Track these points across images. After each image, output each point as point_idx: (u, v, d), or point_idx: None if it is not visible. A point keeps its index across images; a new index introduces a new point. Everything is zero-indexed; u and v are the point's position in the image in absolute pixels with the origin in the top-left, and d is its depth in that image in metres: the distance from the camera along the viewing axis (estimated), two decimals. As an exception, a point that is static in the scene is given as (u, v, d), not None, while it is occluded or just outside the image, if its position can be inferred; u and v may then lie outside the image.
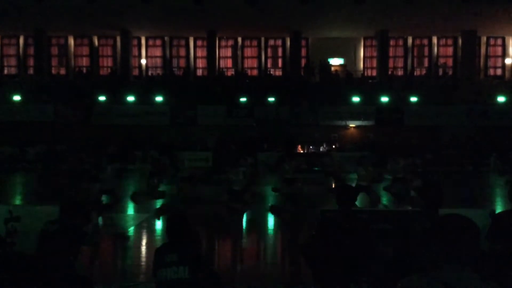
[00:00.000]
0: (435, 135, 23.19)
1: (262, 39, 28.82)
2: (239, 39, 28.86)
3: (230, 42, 29.00)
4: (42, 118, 23.17)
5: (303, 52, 28.18)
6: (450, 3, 21.96)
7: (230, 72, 28.67)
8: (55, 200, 4.41)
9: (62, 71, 28.87)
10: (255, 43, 29.13)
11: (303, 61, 27.99)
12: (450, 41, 28.74)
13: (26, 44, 28.68)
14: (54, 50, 28.94)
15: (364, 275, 4.27)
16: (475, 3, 21.68)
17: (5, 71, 29.11)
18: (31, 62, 28.31)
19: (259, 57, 29.10)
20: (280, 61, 29.26)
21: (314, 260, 4.52)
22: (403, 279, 2.40)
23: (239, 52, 29.00)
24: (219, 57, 28.70)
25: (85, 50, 29.17)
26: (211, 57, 27.65)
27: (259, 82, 26.88)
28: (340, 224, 4.30)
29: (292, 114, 23.29)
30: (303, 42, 28.08)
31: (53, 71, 28.72)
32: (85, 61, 29.14)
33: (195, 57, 29.07)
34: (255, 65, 29.20)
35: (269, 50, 29.36)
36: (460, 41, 27.75)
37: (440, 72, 28.37)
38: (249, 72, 28.85)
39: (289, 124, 23.07)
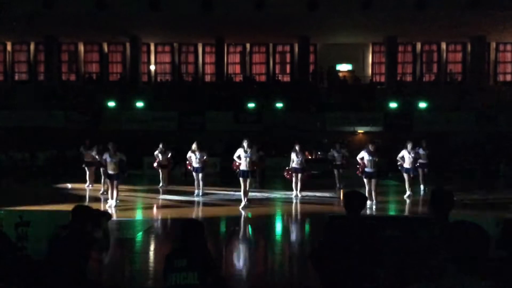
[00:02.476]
0: (444, 141, 23.05)
1: (270, 45, 28.90)
2: (248, 45, 28.95)
3: (239, 48, 29.11)
4: (52, 123, 23.37)
5: (311, 58, 28.20)
6: (459, 9, 21.90)
7: (239, 78, 28.75)
8: (66, 205, 4.45)
9: (72, 77, 29.13)
10: (263, 49, 29.20)
11: (311, 67, 28.02)
12: (459, 47, 28.62)
13: (36, 50, 28.97)
14: (65, 56, 29.21)
15: (372, 282, 4.26)
16: (485, 9, 21.62)
17: (16, 77, 29.42)
18: (41, 68, 28.57)
19: (267, 63, 29.16)
20: (288, 67, 29.29)
21: (322, 266, 4.51)
22: (411, 286, 2.40)
23: (247, 58, 29.08)
24: (228, 63, 28.81)
25: (95, 56, 29.41)
26: (219, 63, 27.75)
27: (267, 87, 26.93)
28: (349, 230, 4.30)
29: (300, 120, 23.29)
30: (311, 48, 28.11)
31: (63, 77, 28.96)
32: (95, 67, 29.37)
33: (203, 63, 29.21)
34: (263, 71, 29.25)
35: (277, 56, 29.42)
36: (469, 47, 27.64)
37: (448, 78, 28.24)
38: (257, 78, 28.91)
39: (297, 129, 23.06)
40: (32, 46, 29.05)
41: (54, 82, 27.01)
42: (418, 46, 28.64)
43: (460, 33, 25.83)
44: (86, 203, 12.04)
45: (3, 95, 25.21)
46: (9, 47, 29.17)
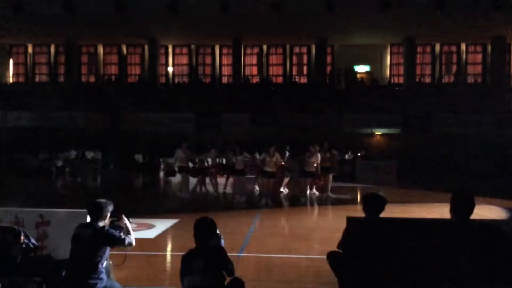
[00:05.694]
0: (464, 144, 22.74)
1: (287, 46, 28.88)
2: (264, 47, 28.99)
3: (256, 50, 29.15)
4: (72, 124, 23.71)
5: (329, 59, 28.10)
6: (479, 10, 21.59)
7: (255, 80, 28.78)
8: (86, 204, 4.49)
9: (92, 79, 29.54)
10: (280, 50, 29.20)
11: (328, 68, 27.90)
12: (479, 48, 28.22)
13: (57, 53, 29.47)
14: (84, 58, 29.65)
15: (392, 285, 4.21)
16: (505, 9, 21.27)
17: (37, 79, 29.94)
18: (61, 70, 29.05)
19: (284, 64, 29.16)
20: (305, 68, 29.24)
21: (340, 267, 4.49)
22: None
23: (264, 60, 29.11)
24: (245, 65, 28.87)
25: (114, 58, 29.78)
26: (236, 65, 27.83)
27: (284, 89, 26.90)
28: (367, 232, 4.27)
29: (317, 122, 23.20)
30: (329, 49, 28.01)
31: (83, 78, 29.40)
32: (114, 69, 29.74)
33: (220, 65, 29.33)
34: (280, 73, 29.25)
35: (294, 57, 29.39)
36: (489, 48, 27.23)
37: (470, 79, 27.81)
38: (274, 79, 28.91)
39: (314, 131, 22.96)
40: (52, 48, 29.54)
41: (74, 84, 27.40)
42: (437, 47, 28.32)
43: (480, 34, 25.47)
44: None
45: (24, 96, 25.66)
46: (30, 49, 29.71)
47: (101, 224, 4.27)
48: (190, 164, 14.07)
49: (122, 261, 4.31)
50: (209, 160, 14.64)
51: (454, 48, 28.46)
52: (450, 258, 3.39)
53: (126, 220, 4.48)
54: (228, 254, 4.02)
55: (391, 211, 11.07)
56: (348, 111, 23.62)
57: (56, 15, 22.92)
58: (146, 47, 28.49)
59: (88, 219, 4.41)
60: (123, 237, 4.30)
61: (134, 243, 4.39)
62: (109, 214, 4.36)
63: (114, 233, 4.27)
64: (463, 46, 28.16)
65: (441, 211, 11.84)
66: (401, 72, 27.97)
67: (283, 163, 13.51)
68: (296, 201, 13.69)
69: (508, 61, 27.42)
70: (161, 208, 12.89)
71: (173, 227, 9.66)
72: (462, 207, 3.67)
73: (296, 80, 28.83)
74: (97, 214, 4.29)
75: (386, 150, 23.56)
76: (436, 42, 28.00)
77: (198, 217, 4.05)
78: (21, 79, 29.89)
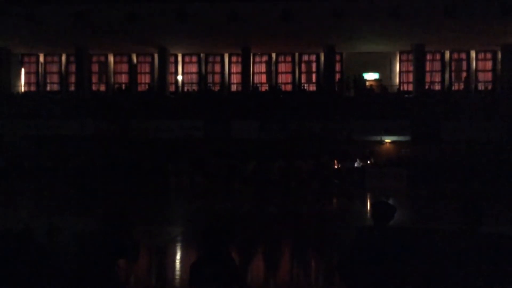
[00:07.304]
0: (474, 151, 22.54)
1: (296, 54, 28.92)
2: (273, 55, 29.06)
3: (264, 58, 29.24)
4: (83, 133, 23.87)
5: (337, 67, 28.06)
6: (489, 17, 21.50)
7: (264, 88, 28.84)
8: (96, 212, 4.51)
9: (102, 88, 29.78)
10: (289, 58, 29.25)
11: (337, 76, 27.87)
12: (489, 55, 28.05)
13: (68, 62, 29.77)
14: (95, 67, 29.90)
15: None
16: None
17: (48, 88, 30.25)
18: (72, 79, 29.31)
19: (293, 72, 29.17)
20: (314, 76, 29.23)
21: (350, 277, 4.47)
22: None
23: (273, 68, 29.17)
24: (253, 73, 28.95)
25: (124, 67, 30.01)
26: (245, 73, 27.89)
27: (293, 97, 26.90)
28: (376, 241, 4.25)
29: (325, 129, 23.14)
30: (337, 57, 27.97)
31: (94, 87, 29.64)
32: (124, 78, 29.96)
33: (229, 73, 29.43)
34: (289, 80, 29.26)
35: (303, 65, 29.41)
36: (499, 55, 27.06)
37: (481, 86, 27.60)
38: (283, 87, 28.94)
39: (323, 139, 22.91)
40: (63, 58, 29.86)
41: (84, 92, 27.64)
42: (447, 54, 28.20)
43: (490, 40, 25.32)
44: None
45: (35, 105, 25.93)
46: (41, 59, 30.06)
47: (111, 233, 4.26)
48: None
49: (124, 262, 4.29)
50: None
51: (463, 55, 28.33)
52: (460, 266, 3.36)
53: (133, 232, 4.45)
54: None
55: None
56: (357, 119, 23.53)
57: (67, 25, 23.20)
58: (156, 56, 28.70)
59: (99, 227, 4.40)
60: (128, 249, 4.26)
61: (137, 255, 4.38)
62: (122, 224, 4.35)
63: (121, 243, 4.26)
64: (473, 53, 28.02)
65: (451, 218, 11.73)
66: (411, 79, 27.84)
67: None
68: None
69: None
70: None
71: (182, 233, 9.68)
72: (472, 214, 3.65)
73: (305, 87, 28.82)
74: (111, 223, 4.29)
75: (395, 157, 23.43)
76: (445, 49, 27.89)
77: (207, 224, 4.06)
78: (33, 88, 30.22)
